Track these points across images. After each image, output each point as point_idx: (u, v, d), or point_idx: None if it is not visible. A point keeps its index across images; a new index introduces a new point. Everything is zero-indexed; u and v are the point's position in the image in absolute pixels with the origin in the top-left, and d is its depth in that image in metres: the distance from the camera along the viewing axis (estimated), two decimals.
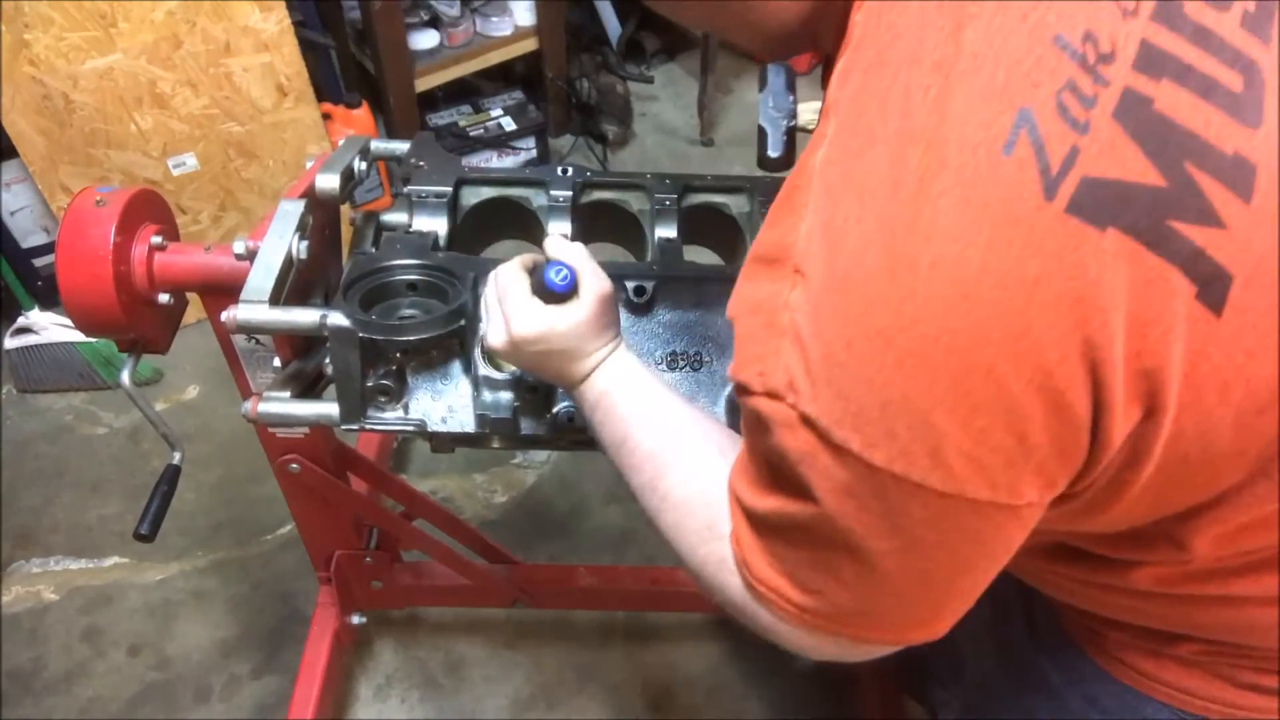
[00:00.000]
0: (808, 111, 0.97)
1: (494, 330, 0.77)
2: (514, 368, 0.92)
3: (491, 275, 0.79)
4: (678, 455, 0.68)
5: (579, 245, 0.80)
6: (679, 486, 0.67)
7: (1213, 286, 0.45)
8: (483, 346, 0.92)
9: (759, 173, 1.08)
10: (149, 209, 0.96)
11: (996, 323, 0.45)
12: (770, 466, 0.56)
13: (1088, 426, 0.47)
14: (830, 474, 0.51)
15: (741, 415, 0.58)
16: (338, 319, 0.87)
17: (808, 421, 0.50)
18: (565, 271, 0.75)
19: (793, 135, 0.85)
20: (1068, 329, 0.45)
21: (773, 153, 0.83)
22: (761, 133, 0.84)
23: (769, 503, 0.56)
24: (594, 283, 0.76)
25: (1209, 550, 0.57)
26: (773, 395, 0.52)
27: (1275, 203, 0.45)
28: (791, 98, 0.85)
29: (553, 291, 0.75)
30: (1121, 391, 0.46)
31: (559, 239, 0.81)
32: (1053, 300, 0.44)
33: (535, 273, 0.77)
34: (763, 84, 0.89)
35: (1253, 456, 0.50)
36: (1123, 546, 0.60)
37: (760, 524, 0.58)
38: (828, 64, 0.59)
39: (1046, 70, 0.45)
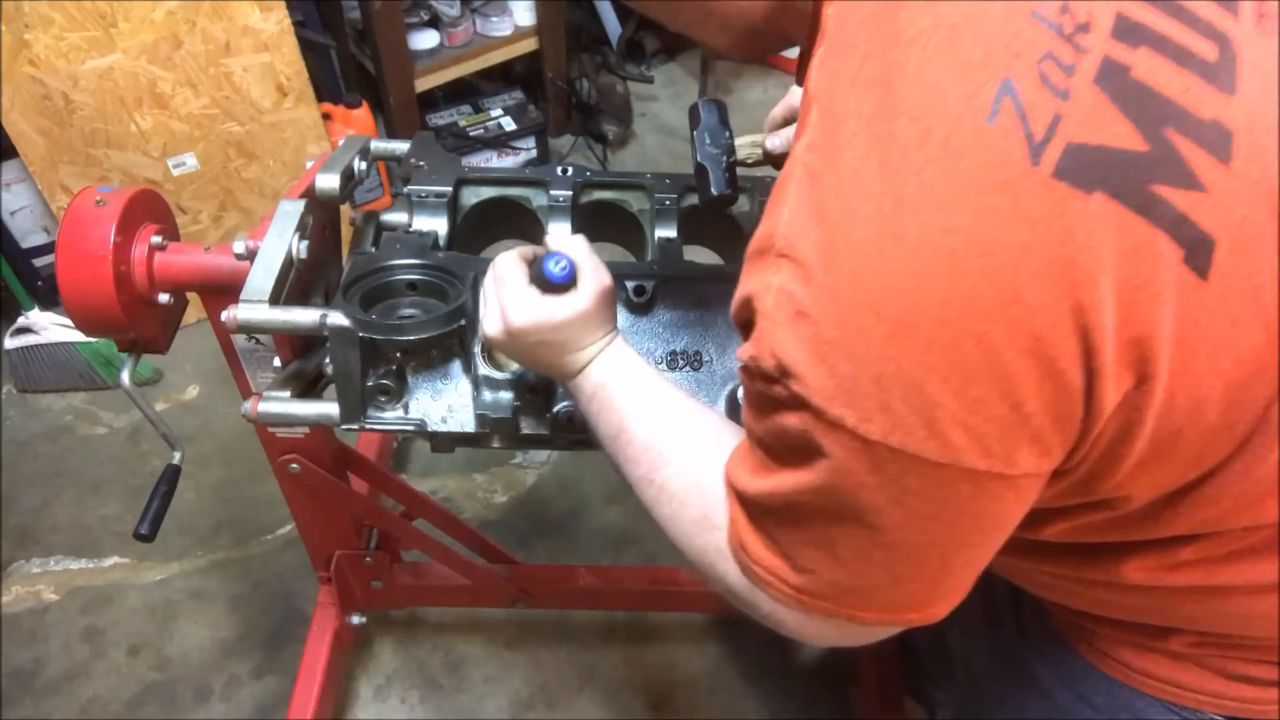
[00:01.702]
0: (745, 145, 0.97)
1: (490, 319, 0.77)
2: (514, 365, 0.92)
3: (491, 264, 0.79)
4: (674, 447, 0.68)
5: (581, 238, 0.80)
6: (676, 478, 0.67)
7: (1198, 251, 0.45)
8: (480, 339, 0.92)
9: (760, 172, 1.08)
10: (149, 209, 0.96)
11: (987, 290, 0.45)
12: (768, 447, 0.56)
13: (1081, 393, 0.47)
14: (826, 450, 0.51)
15: (744, 398, 0.58)
16: (338, 319, 0.87)
17: (801, 401, 0.50)
18: (564, 262, 0.75)
19: (734, 169, 0.85)
20: (1058, 295, 0.45)
21: (716, 190, 0.83)
22: (701, 170, 0.84)
23: (766, 483, 0.57)
24: (594, 275, 0.76)
25: (1194, 528, 0.58)
26: (767, 378, 0.52)
27: (1254, 167, 0.45)
28: (727, 132, 0.86)
29: (551, 282, 0.75)
30: (1113, 357, 0.46)
31: (562, 232, 0.81)
32: (1042, 266, 0.44)
33: (534, 263, 0.77)
34: (695, 121, 0.89)
35: (1241, 431, 0.50)
36: (1111, 531, 0.60)
37: (756, 507, 0.59)
38: (803, 58, 0.59)
39: (1025, 41, 0.45)
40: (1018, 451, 0.48)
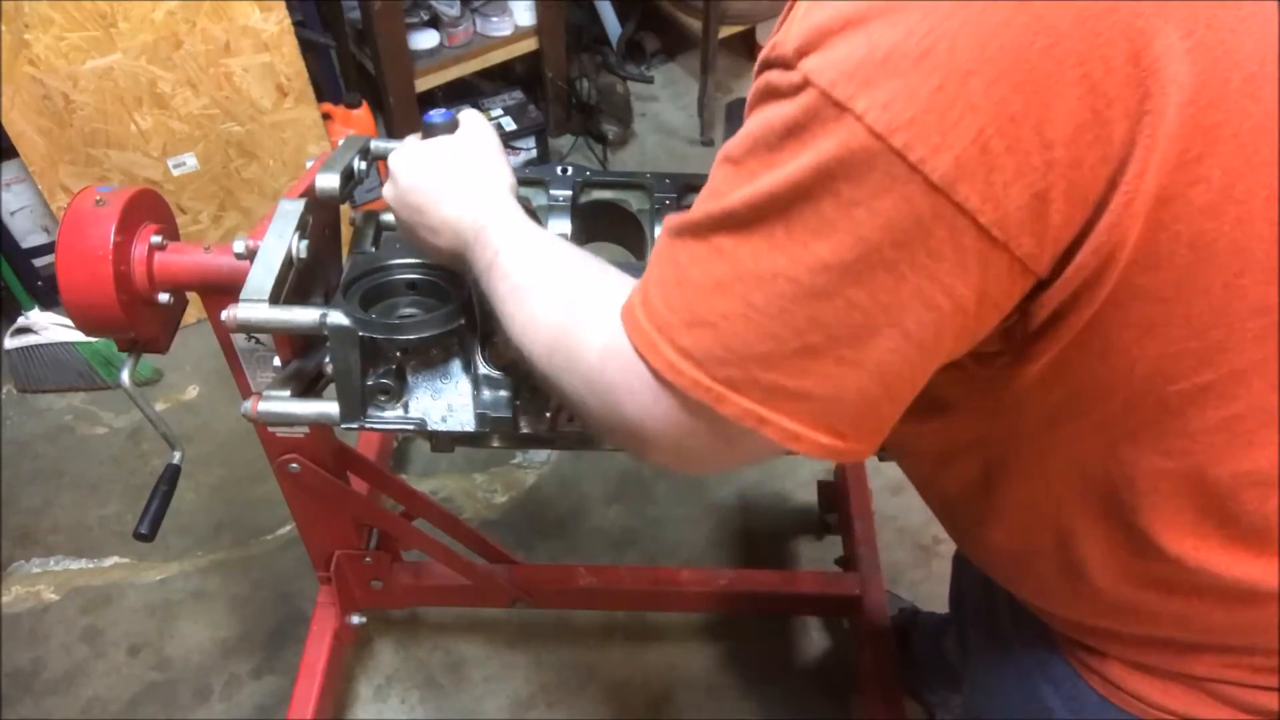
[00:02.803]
0: None
1: (386, 186, 0.80)
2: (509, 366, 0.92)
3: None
4: (565, 270, 0.64)
5: (476, 113, 0.84)
6: (558, 284, 0.63)
7: None
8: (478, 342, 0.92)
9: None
10: (149, 208, 0.96)
11: (1071, 5, 0.41)
12: (735, 160, 0.50)
13: (1115, 165, 0.43)
14: (812, 146, 0.45)
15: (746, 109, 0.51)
16: (338, 318, 0.87)
17: (808, 81, 0.45)
18: (443, 110, 0.81)
19: None
20: (1144, 35, 0.41)
21: None
22: None
23: (712, 205, 0.50)
24: (476, 124, 0.79)
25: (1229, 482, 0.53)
26: (782, 63, 0.47)
27: None
28: None
29: (429, 124, 0.81)
30: (1170, 134, 0.42)
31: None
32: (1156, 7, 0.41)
33: (423, 128, 0.83)
34: (730, 117, 0.90)
35: (1276, 321, 0.47)
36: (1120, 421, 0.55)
37: (682, 233, 0.52)
38: None
39: None
40: (1014, 216, 0.44)
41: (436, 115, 0.83)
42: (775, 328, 0.48)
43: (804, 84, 0.45)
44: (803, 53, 0.45)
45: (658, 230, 1.06)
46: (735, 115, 0.93)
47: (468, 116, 0.84)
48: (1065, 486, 0.61)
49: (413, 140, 0.84)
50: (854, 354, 0.48)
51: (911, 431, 0.64)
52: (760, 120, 0.48)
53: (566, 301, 0.61)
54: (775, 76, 0.47)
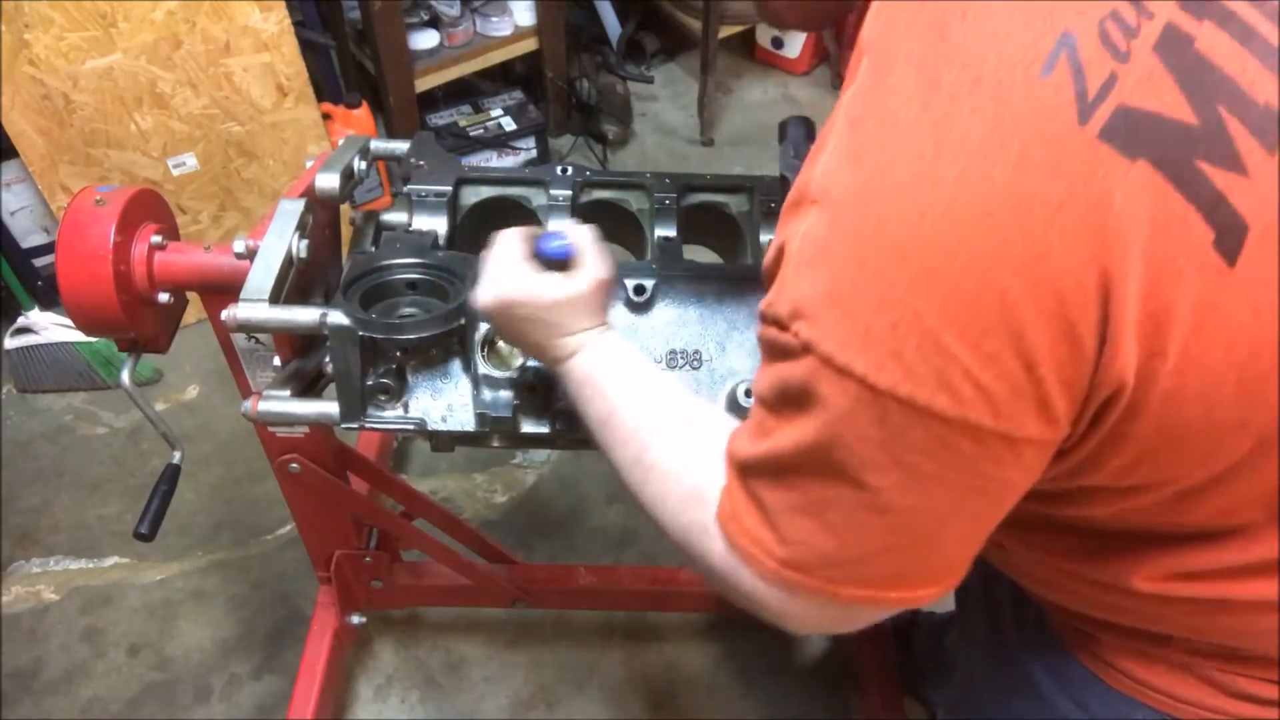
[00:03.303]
0: None
1: (484, 287, 0.77)
2: (515, 364, 0.92)
3: (495, 238, 0.79)
4: (665, 427, 0.68)
5: (590, 228, 0.79)
6: (665, 457, 0.66)
7: (1230, 236, 0.45)
8: (480, 334, 0.92)
9: (759, 172, 1.08)
10: (149, 208, 0.96)
11: (1016, 244, 0.44)
12: (770, 404, 0.55)
13: (1093, 361, 0.46)
14: (830, 402, 0.50)
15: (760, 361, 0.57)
16: (338, 318, 0.87)
17: (810, 347, 0.49)
18: (563, 241, 0.76)
19: None
20: (1086, 258, 0.44)
21: None
22: (783, 181, 0.87)
23: (764, 445, 0.55)
24: (595, 263, 0.76)
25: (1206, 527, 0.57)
26: (779, 324, 0.51)
27: None
28: (811, 146, 0.87)
29: (547, 257, 0.76)
30: (1129, 329, 0.45)
31: (570, 222, 0.81)
32: (1075, 227, 0.44)
33: (535, 242, 0.78)
34: (783, 135, 0.93)
35: (1255, 430, 0.49)
36: (1124, 520, 0.59)
37: (751, 473, 0.57)
38: (859, 14, 0.58)
39: None
40: (1025, 414, 0.48)
41: (553, 244, 0.76)
42: (859, 536, 0.54)
43: (805, 349, 0.50)
44: (796, 317, 0.50)
45: (658, 230, 1.06)
46: (791, 135, 0.95)
47: (590, 258, 0.76)
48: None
49: (517, 247, 0.77)
50: (931, 541, 0.55)
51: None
52: (775, 374, 0.54)
53: (685, 504, 0.64)
54: (776, 334, 0.52)
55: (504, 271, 0.75)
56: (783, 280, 0.52)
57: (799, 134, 0.92)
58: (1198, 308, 0.45)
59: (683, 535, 0.64)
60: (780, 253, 0.53)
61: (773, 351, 0.54)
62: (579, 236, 0.77)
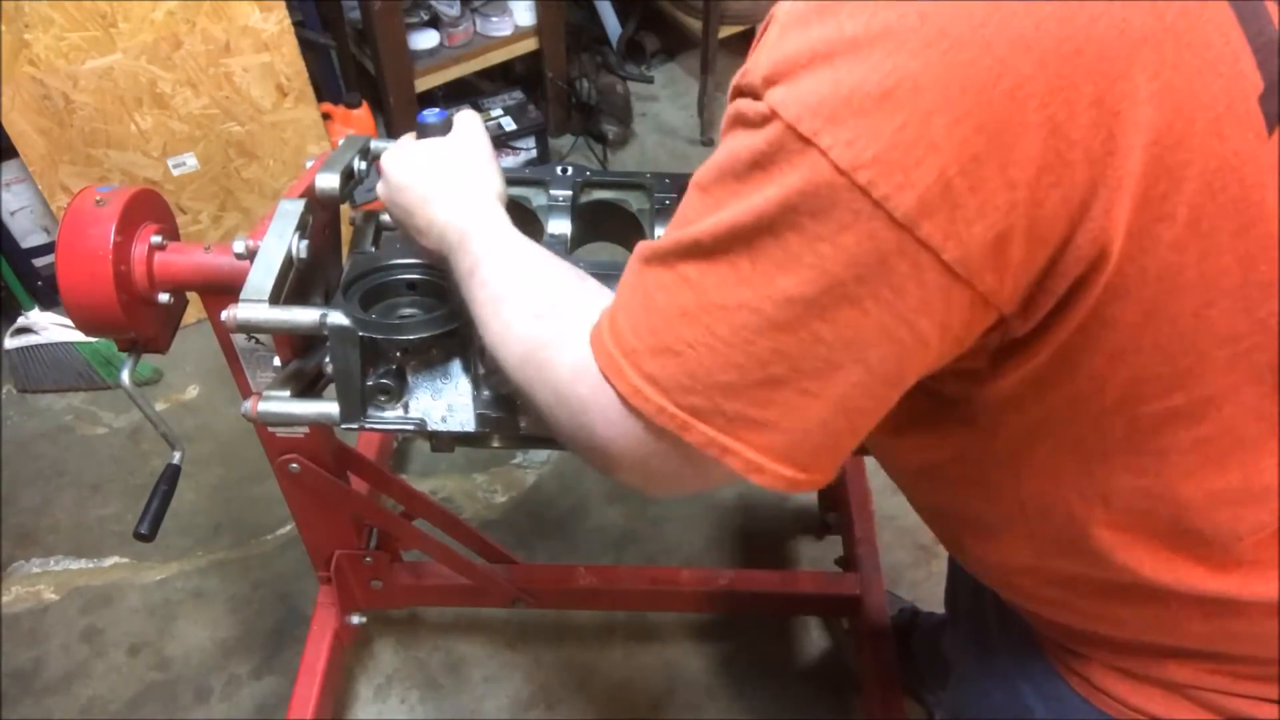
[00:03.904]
0: None
1: (383, 175, 0.81)
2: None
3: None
4: (538, 268, 0.65)
5: (472, 113, 0.84)
6: (530, 284, 0.63)
7: (1274, 96, 0.41)
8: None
9: None
10: (149, 208, 0.96)
11: (1050, 31, 0.41)
12: (705, 186, 0.50)
13: (1076, 205, 0.43)
14: (778, 179, 0.45)
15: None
16: (337, 318, 0.87)
17: (776, 113, 0.45)
18: (437, 110, 0.82)
19: None
20: (1111, 74, 0.40)
21: None
22: None
23: (684, 232, 0.50)
24: (470, 126, 0.81)
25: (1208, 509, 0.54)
26: (750, 91, 0.47)
27: None
28: None
29: (422, 124, 0.81)
30: (1136, 169, 0.42)
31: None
32: (1115, 31, 0.40)
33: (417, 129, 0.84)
34: None
35: (1244, 350, 0.47)
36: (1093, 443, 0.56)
37: (653, 263, 0.52)
38: None
39: None
40: (976, 253, 0.44)
41: (430, 115, 0.83)
42: (739, 358, 0.48)
43: (770, 116, 0.45)
44: (770, 83, 0.45)
45: (658, 230, 1.06)
46: None
47: (462, 117, 0.84)
48: (1040, 505, 0.62)
49: (407, 139, 0.84)
50: (817, 386, 0.48)
51: (891, 445, 0.66)
52: (728, 149, 0.48)
53: (541, 314, 0.61)
54: (744, 105, 0.47)
55: (389, 153, 0.81)
56: (763, 45, 0.47)
57: None
58: (1221, 169, 0.41)
59: (529, 347, 0.59)
60: (765, 27, 0.49)
61: (733, 124, 0.48)
62: (460, 115, 0.83)
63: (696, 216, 0.50)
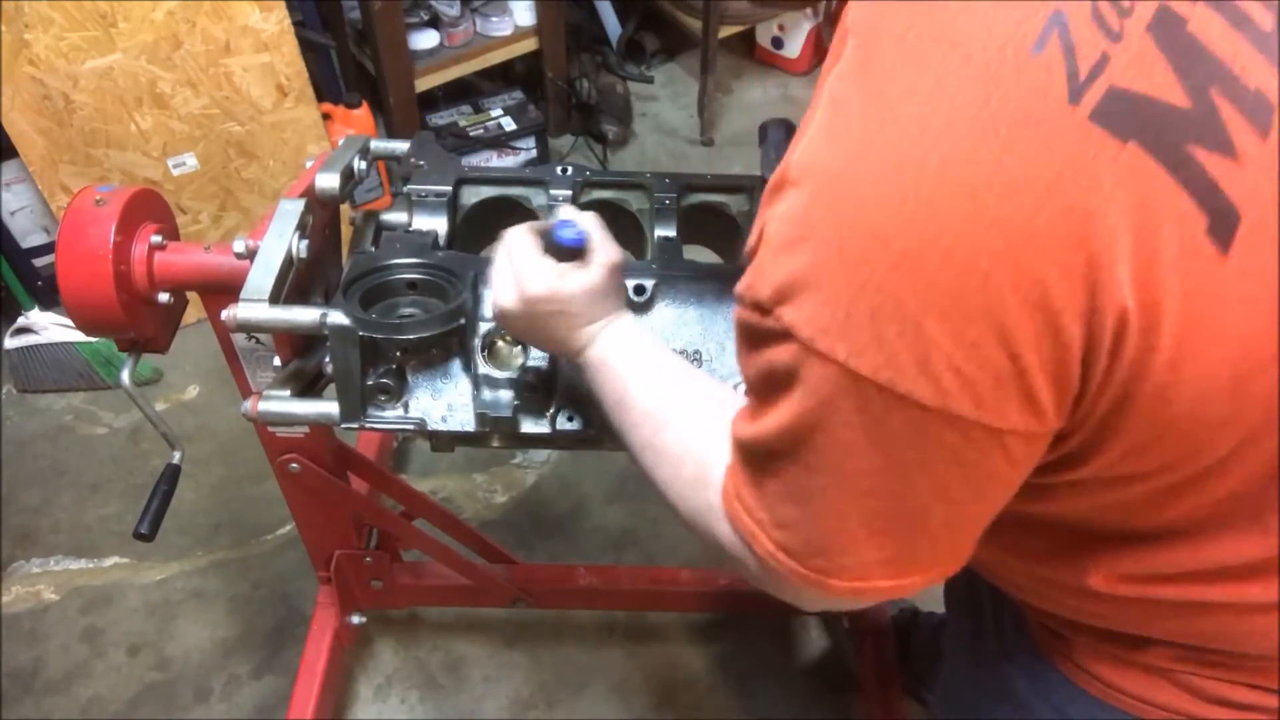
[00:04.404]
0: None
1: (504, 290, 0.76)
2: (515, 364, 0.92)
3: (503, 237, 0.79)
4: (676, 410, 0.68)
5: (592, 214, 0.80)
6: (676, 439, 0.66)
7: (1223, 222, 0.43)
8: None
9: (759, 172, 1.08)
10: (149, 208, 0.96)
11: (1001, 229, 0.43)
12: (756, 389, 0.55)
13: (1080, 355, 0.45)
14: (813, 387, 0.49)
15: (736, 339, 0.57)
16: (338, 318, 0.87)
17: (791, 333, 0.49)
18: (576, 229, 0.77)
19: None
20: (1073, 245, 0.43)
21: None
22: (765, 182, 0.87)
23: (753, 428, 0.55)
24: (606, 247, 0.77)
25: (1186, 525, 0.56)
26: (760, 308, 0.51)
27: None
28: None
29: (563, 247, 0.76)
30: (1117, 321, 0.44)
31: (571, 207, 0.82)
32: (1063, 212, 0.43)
33: (546, 233, 0.78)
34: (763, 138, 0.92)
35: (1245, 425, 0.48)
36: (1100, 515, 0.59)
37: (748, 455, 0.57)
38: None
39: None
40: (1009, 405, 0.47)
41: (567, 232, 0.77)
42: (842, 524, 0.54)
43: (787, 334, 0.49)
44: (778, 302, 0.50)
45: (658, 230, 1.06)
46: (771, 137, 0.95)
47: (600, 243, 0.78)
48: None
49: (532, 245, 0.77)
50: (915, 529, 0.54)
51: None
52: (760, 359, 0.53)
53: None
54: (758, 319, 0.51)
55: (525, 269, 0.75)
56: (761, 263, 0.51)
57: (779, 135, 0.92)
58: (1190, 297, 0.44)
59: (694, 517, 0.64)
60: (760, 236, 0.52)
61: (753, 337, 0.53)
62: (586, 223, 0.78)
63: (756, 416, 0.55)
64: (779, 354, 0.50)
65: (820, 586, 0.56)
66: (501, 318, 0.79)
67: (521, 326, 0.79)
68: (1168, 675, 0.67)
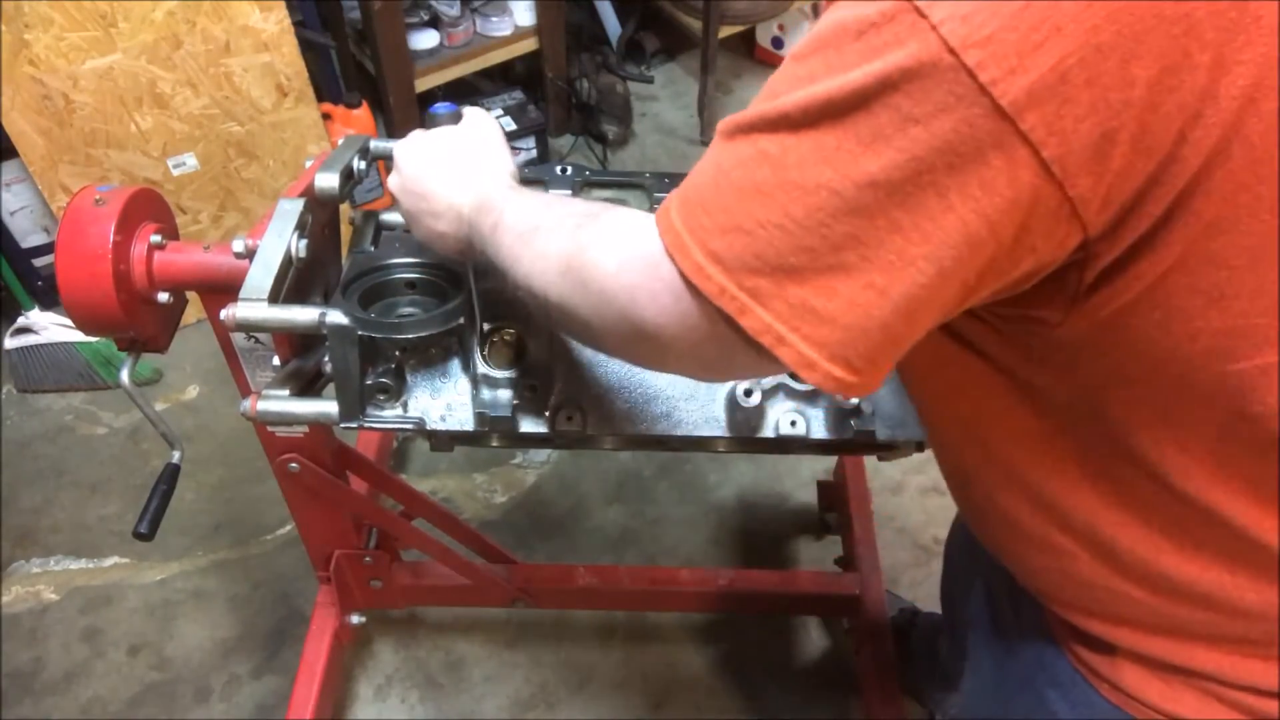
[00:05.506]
0: None
1: (395, 168, 0.81)
2: (514, 364, 0.92)
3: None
4: (581, 207, 0.64)
5: (481, 109, 0.86)
6: (604, 225, 0.60)
7: None
8: (480, 334, 0.92)
9: None
10: (148, 208, 0.96)
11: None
12: (807, 57, 0.47)
13: (1193, 109, 0.41)
14: (882, 52, 0.43)
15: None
16: (337, 317, 0.87)
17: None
18: (447, 103, 0.84)
19: None
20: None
21: None
22: None
23: (766, 106, 0.47)
24: (480, 116, 0.82)
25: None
26: None
27: None
28: None
29: (433, 115, 0.83)
30: (1237, 99, 0.41)
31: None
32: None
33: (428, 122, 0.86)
34: None
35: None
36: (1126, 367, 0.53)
37: (733, 137, 0.50)
38: None
39: None
40: (1077, 154, 0.42)
41: (441, 107, 0.85)
42: (812, 241, 0.46)
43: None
44: None
45: None
46: None
47: (471, 110, 0.85)
48: (1100, 460, 0.59)
49: (417, 133, 0.85)
50: (885, 281, 0.46)
51: (950, 385, 0.64)
52: (832, 19, 0.46)
53: (580, 224, 0.59)
54: None
55: (401, 147, 0.81)
56: None
57: None
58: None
59: (566, 261, 0.58)
60: None
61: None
62: (470, 108, 0.85)
63: (787, 89, 0.47)
64: (859, 10, 0.44)
65: (739, 314, 0.49)
66: (401, 212, 0.82)
67: (410, 207, 0.80)
68: (1214, 690, 0.64)
